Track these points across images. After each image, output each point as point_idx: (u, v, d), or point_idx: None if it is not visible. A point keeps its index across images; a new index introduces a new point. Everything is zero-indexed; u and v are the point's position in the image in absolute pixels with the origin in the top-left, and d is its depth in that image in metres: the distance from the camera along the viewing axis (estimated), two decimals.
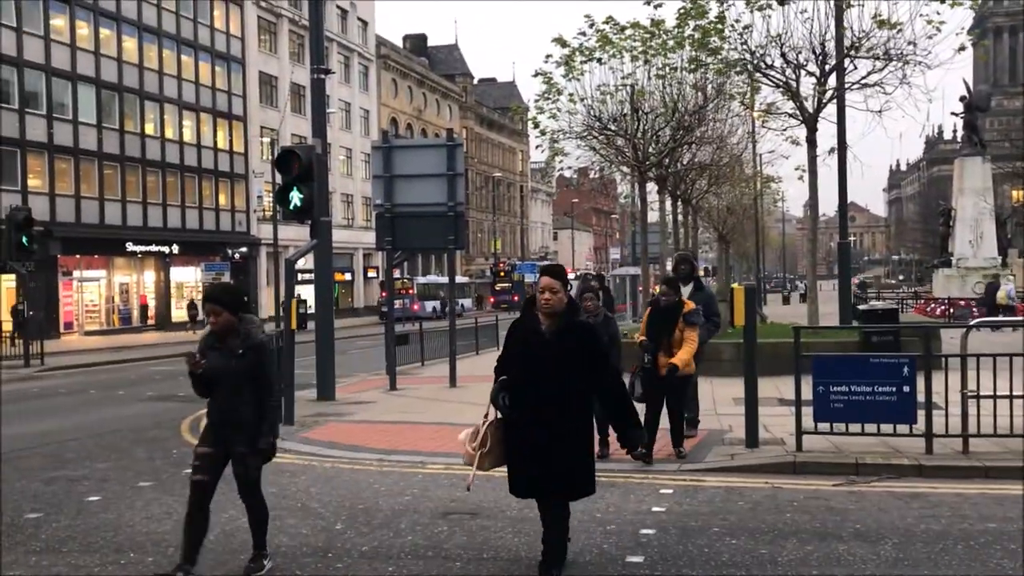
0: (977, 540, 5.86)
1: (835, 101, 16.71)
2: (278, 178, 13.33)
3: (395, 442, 9.99)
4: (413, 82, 76.01)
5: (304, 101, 57.07)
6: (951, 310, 32.37)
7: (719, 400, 12.73)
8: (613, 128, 19.58)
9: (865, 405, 8.11)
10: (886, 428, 8.24)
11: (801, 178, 23.36)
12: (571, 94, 19.22)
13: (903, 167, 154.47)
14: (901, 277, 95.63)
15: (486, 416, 5.36)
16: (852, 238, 43.08)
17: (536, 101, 19.97)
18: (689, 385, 9.08)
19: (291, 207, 12.13)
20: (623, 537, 6.09)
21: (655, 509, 6.87)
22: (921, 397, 8.09)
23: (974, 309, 32.73)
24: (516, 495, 5.30)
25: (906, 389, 8.05)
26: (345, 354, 23.89)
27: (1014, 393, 8.16)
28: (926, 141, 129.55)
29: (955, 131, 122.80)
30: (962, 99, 40.32)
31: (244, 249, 51.60)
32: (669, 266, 35.21)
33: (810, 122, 16.50)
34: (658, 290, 8.88)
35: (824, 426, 8.36)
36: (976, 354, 8.23)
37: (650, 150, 20.20)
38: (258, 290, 51.79)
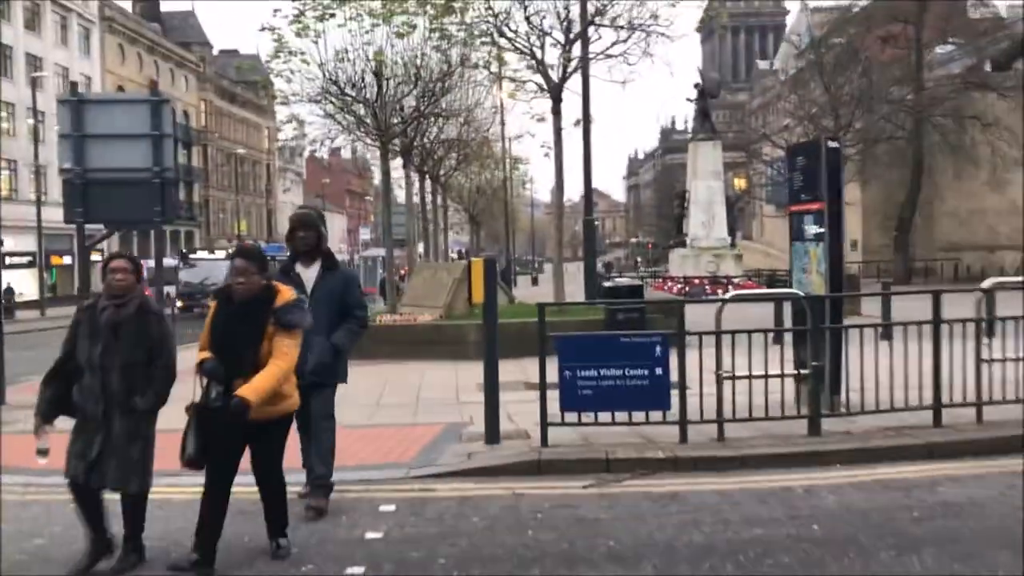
0: (746, 553, 4.94)
1: (580, 71, 16.13)
2: None
3: None
4: (143, 48, 69.85)
5: (9, 62, 50.50)
6: (687, 288, 33.67)
7: (463, 387, 11.57)
8: (352, 94, 17.91)
9: (615, 391, 7.16)
10: (639, 416, 7.34)
11: (547, 155, 23.06)
12: (303, 53, 17.34)
13: (640, 155, 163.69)
14: (639, 259, 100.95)
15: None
16: (596, 221, 44.27)
17: (267, 61, 17.93)
18: (284, 433, 5.21)
19: None
20: None
21: (369, 536, 5.47)
22: (675, 379, 7.26)
23: (707, 287, 34.31)
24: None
25: (658, 371, 7.18)
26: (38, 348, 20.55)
27: (769, 372, 7.52)
28: (661, 131, 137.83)
29: (686, 122, 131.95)
30: (696, 86, 42.23)
31: None
32: (420, 248, 34.18)
33: (555, 91, 15.79)
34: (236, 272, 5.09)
35: (572, 416, 7.34)
36: (731, 331, 7.51)
37: (392, 120, 18.77)
38: None
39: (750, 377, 7.48)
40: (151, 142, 13.92)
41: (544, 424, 7.34)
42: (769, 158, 50.48)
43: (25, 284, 44.75)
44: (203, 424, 4.77)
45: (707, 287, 34.14)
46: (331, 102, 17.98)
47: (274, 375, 4.83)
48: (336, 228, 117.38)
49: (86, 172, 13.90)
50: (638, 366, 7.12)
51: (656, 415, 7.31)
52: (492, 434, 7.56)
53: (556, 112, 15.79)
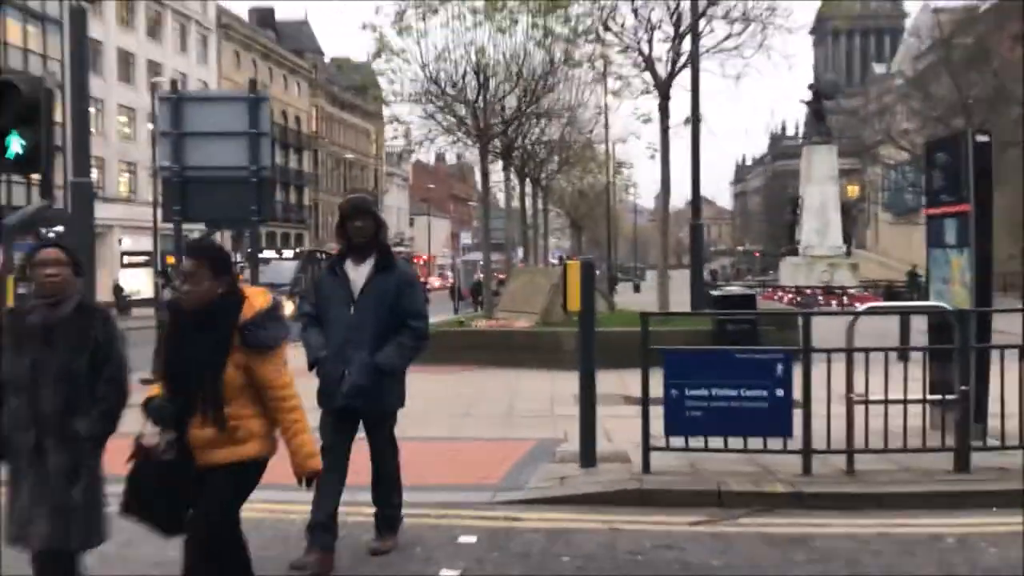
0: None
1: (690, 67, 15.23)
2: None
3: None
4: (258, 55, 71.73)
5: (131, 68, 52.59)
6: (798, 299, 32.13)
7: (558, 398, 10.88)
8: (452, 92, 17.48)
9: (729, 413, 6.31)
10: (755, 443, 6.47)
11: (653, 156, 22.17)
12: (403, 51, 17.00)
13: (748, 162, 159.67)
14: (745, 267, 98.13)
15: None
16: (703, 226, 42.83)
17: (369, 61, 17.68)
18: (236, 488, 3.85)
19: (8, 154, 9.35)
20: None
21: (444, 574, 4.81)
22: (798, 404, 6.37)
23: (820, 297, 32.65)
24: None
25: (780, 393, 6.29)
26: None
27: (909, 397, 6.55)
28: (771, 136, 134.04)
29: (797, 127, 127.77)
30: (810, 87, 40.47)
31: (60, 228, 46.81)
32: (519, 254, 33.54)
33: (663, 88, 14.93)
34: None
35: (678, 440, 6.52)
36: (865, 348, 6.56)
37: (493, 120, 18.26)
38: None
39: (886, 402, 6.50)
40: (248, 140, 13.72)
41: (646, 447, 6.55)
42: (893, 161, 47.95)
43: (141, 283, 46.30)
44: (144, 479, 3.64)
45: (820, 298, 32.51)
46: (431, 102, 17.59)
47: (293, 417, 3.72)
48: (440, 233, 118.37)
49: (184, 170, 13.80)
50: (756, 386, 6.26)
51: (775, 442, 6.43)
52: (588, 456, 6.81)
53: (663, 110, 14.94)
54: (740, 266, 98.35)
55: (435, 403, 10.77)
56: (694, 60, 15.01)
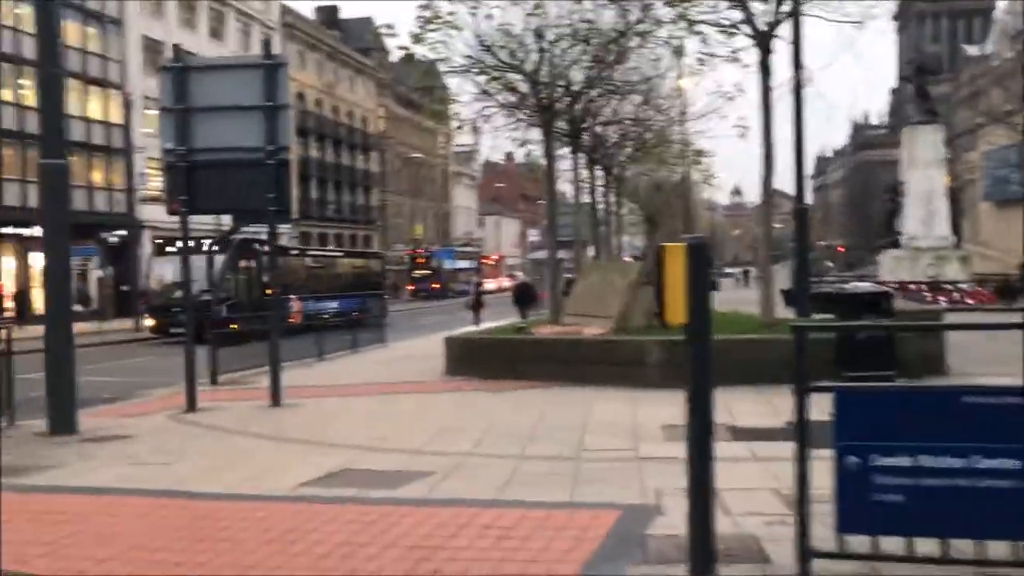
0: None
1: (791, 18, 12.52)
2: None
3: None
4: (323, 55, 70.54)
5: None
6: (902, 295, 28.80)
7: (643, 430, 8.40)
8: (507, 61, 14.99)
9: (952, 497, 3.69)
10: (996, 548, 3.83)
11: (742, 135, 19.30)
12: (452, 14, 14.59)
13: (829, 154, 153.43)
14: (830, 263, 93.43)
15: None
16: (779, 225, 39.52)
17: (422, 32, 15.28)
18: None
19: None
20: None
21: None
22: None
23: (926, 293, 29.28)
24: None
25: None
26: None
27: None
28: (853, 126, 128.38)
29: (880, 117, 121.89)
30: (910, 62, 36.88)
31: (123, 232, 45.89)
32: (591, 252, 30.91)
33: (763, 40, 12.21)
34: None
35: (860, 540, 3.92)
36: None
37: (556, 93, 15.73)
38: (138, 277, 46.09)
39: None
40: (264, 115, 11.49)
41: (805, 552, 3.95)
42: (993, 146, 43.91)
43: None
44: None
45: (926, 294, 29.12)
46: (485, 72, 15.13)
47: None
48: (510, 232, 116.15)
49: (190, 153, 11.67)
50: (1000, 451, 3.63)
51: None
52: (702, 558, 4.24)
53: (764, 67, 12.20)
54: (826, 262, 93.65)
55: (481, 437, 8.33)
56: (796, 7, 12.34)
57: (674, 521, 5.15)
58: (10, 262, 40.59)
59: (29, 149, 40.14)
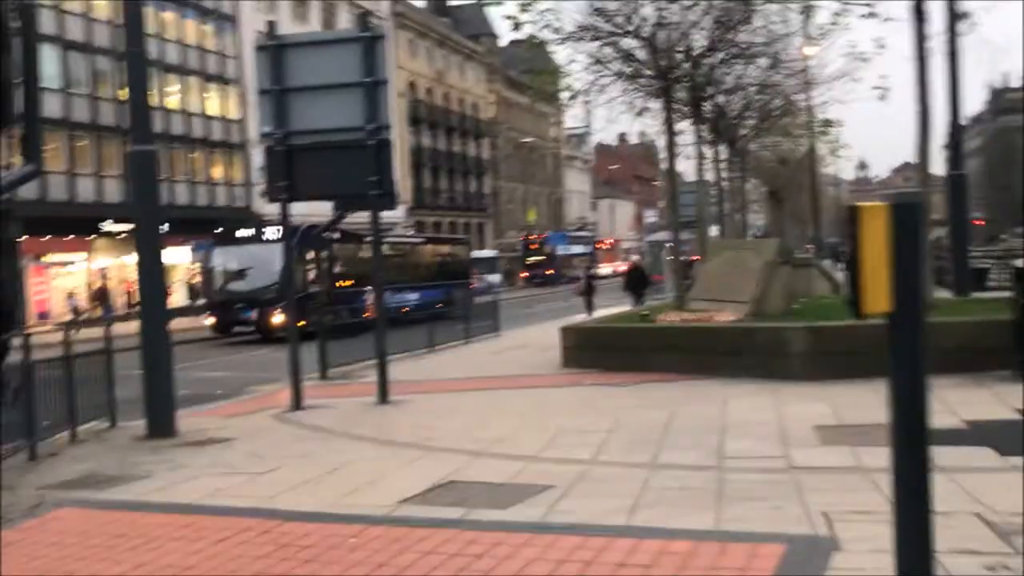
0: None
1: None
2: None
3: None
4: (433, 43, 70.50)
5: None
6: None
7: (792, 432, 7.25)
8: (621, 25, 13.84)
9: None
10: None
11: (883, 96, 17.50)
12: None
13: (964, 122, 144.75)
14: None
15: None
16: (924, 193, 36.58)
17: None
18: None
19: None
20: None
21: None
22: None
23: None
24: None
25: None
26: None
27: None
28: (991, 91, 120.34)
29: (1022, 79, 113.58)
30: None
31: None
32: (715, 232, 29.22)
33: None
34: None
35: None
36: None
37: (676, 57, 14.49)
38: None
39: None
40: (363, 92, 10.76)
41: None
42: None
43: None
44: None
45: None
46: (599, 37, 14.02)
47: None
48: (624, 215, 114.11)
49: (288, 136, 11.05)
50: None
51: None
52: None
53: (918, 10, 10.66)
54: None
55: (604, 440, 7.34)
56: None
57: (860, 562, 4.05)
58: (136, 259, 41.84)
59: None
